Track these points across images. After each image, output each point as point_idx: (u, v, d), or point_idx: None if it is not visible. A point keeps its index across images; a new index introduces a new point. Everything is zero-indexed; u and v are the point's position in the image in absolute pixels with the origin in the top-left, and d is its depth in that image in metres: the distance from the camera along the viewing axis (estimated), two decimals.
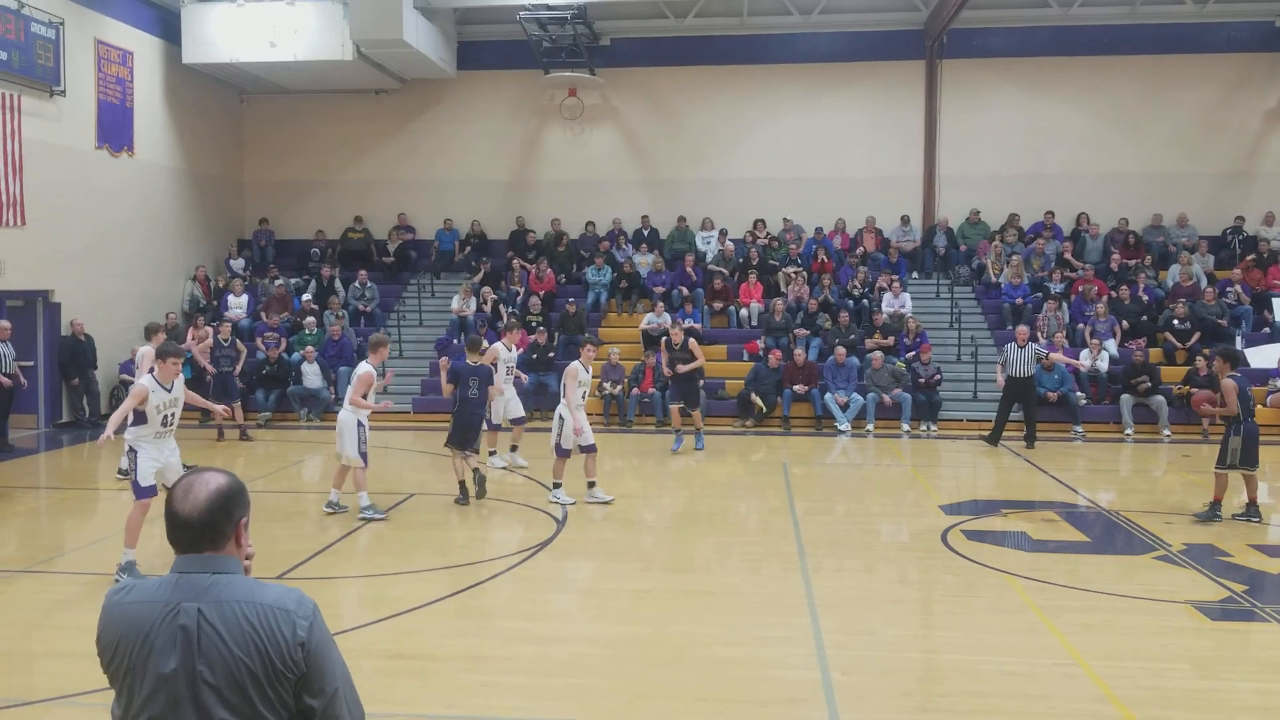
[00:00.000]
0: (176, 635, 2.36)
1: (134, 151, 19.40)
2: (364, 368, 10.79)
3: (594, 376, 11.83)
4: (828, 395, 17.45)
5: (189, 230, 21.51)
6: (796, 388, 17.50)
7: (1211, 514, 10.60)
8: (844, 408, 17.34)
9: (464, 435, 11.34)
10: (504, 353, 13.65)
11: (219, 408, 10.93)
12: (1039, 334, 18.50)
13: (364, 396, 10.64)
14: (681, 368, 15.08)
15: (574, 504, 11.13)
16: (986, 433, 16.27)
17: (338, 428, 10.90)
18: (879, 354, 17.73)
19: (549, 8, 20.19)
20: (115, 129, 18.82)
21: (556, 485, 11.36)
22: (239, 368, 16.82)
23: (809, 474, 14.19)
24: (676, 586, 8.32)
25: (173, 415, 8.68)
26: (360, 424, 10.66)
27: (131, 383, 14.87)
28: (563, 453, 11.29)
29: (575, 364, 11.43)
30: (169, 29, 20.20)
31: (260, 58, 20.22)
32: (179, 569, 2.45)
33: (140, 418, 8.46)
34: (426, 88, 22.88)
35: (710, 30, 22.30)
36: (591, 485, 11.38)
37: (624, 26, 22.36)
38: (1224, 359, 10.80)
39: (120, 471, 11.85)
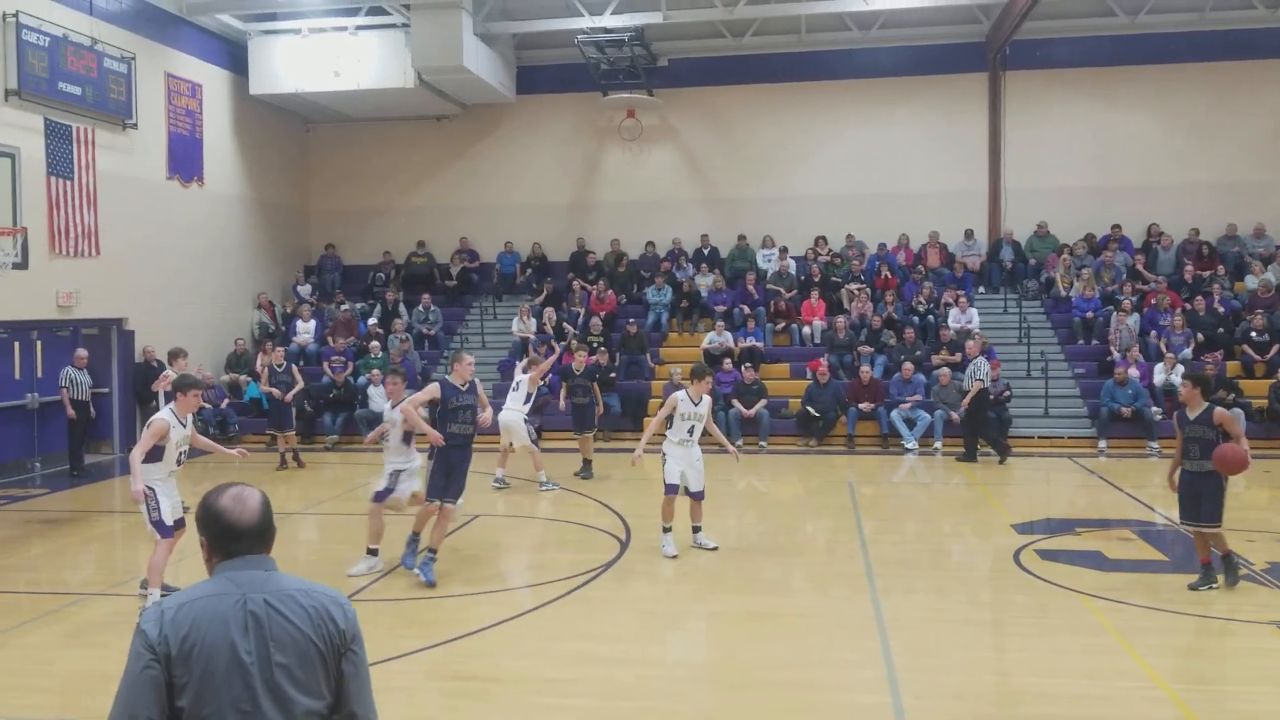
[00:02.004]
0: (248, 623, 2.60)
1: (204, 182, 19.87)
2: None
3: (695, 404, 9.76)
4: (894, 413, 17.19)
5: (257, 258, 21.95)
6: (862, 406, 17.27)
7: (1231, 572, 8.56)
8: (911, 425, 17.08)
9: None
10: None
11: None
12: (1112, 348, 18.08)
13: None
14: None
15: (676, 556, 9.65)
16: (1060, 451, 15.94)
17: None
18: (946, 370, 17.44)
19: (606, 30, 20.32)
20: (185, 160, 19.30)
21: (665, 529, 9.86)
22: (290, 395, 16.20)
23: (876, 493, 13.98)
24: (743, 609, 8.21)
25: (184, 454, 8.42)
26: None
27: (202, 410, 15.21)
28: (668, 488, 9.80)
29: (680, 393, 9.95)
30: (236, 61, 20.70)
31: (325, 87, 20.62)
32: (231, 569, 2.69)
33: (156, 454, 8.14)
34: (486, 113, 23.14)
35: (768, 48, 22.24)
36: (697, 530, 10.15)
37: (681, 47, 22.41)
38: (1194, 384, 8.72)
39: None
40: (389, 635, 7.55)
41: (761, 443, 17.44)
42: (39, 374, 16.10)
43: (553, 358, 14.35)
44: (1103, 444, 16.67)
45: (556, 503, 13.02)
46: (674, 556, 9.54)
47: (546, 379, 18.10)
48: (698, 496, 9.89)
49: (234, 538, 2.70)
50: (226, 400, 18.72)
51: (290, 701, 2.59)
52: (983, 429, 15.92)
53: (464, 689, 6.56)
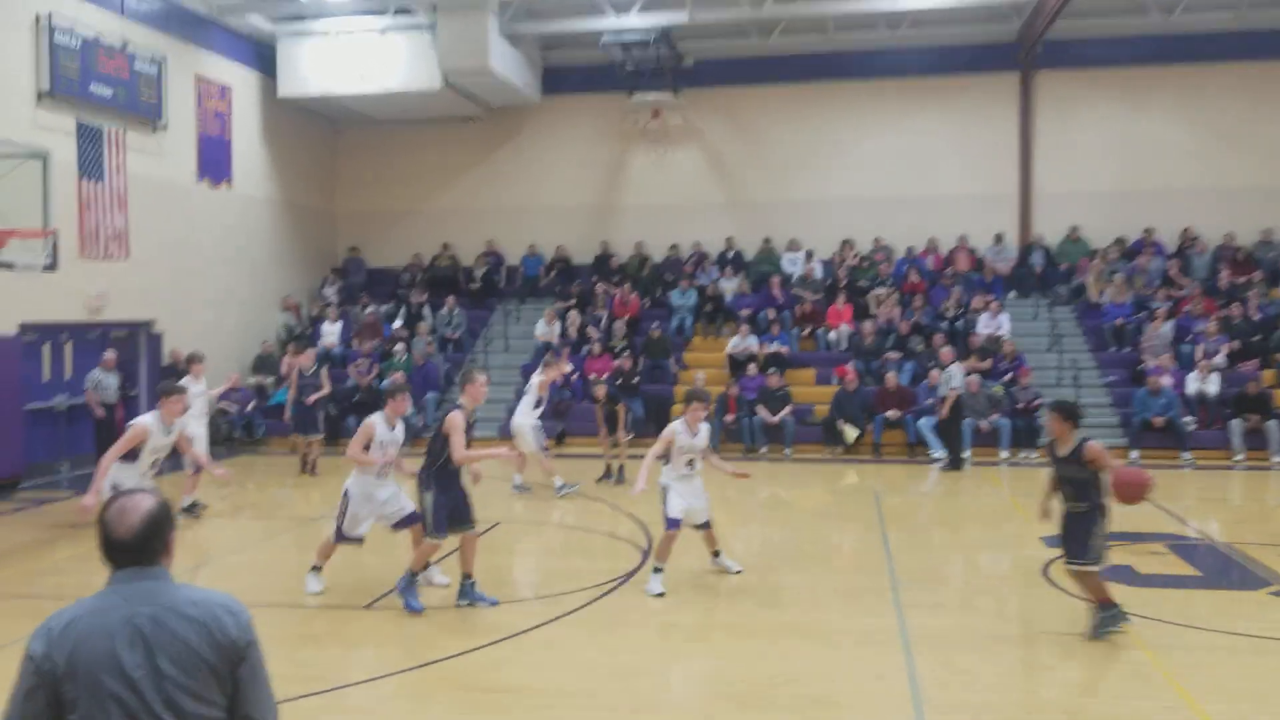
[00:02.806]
0: (134, 637, 2.60)
1: (232, 183, 19.97)
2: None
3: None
4: (921, 421, 17.00)
5: (284, 260, 22.05)
6: (889, 414, 17.09)
7: (1111, 620, 7.44)
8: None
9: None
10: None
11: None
12: (1144, 356, 17.81)
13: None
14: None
15: (663, 595, 8.65)
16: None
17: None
18: (975, 377, 17.23)
19: (632, 31, 20.26)
20: (215, 162, 19.40)
21: (656, 569, 8.81)
22: (314, 398, 15.76)
23: (903, 504, 13.81)
24: (765, 621, 8.10)
25: (159, 460, 8.55)
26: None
27: (228, 414, 15.31)
28: (670, 523, 8.85)
29: (675, 424, 9.01)
30: (265, 62, 20.79)
31: (352, 89, 20.68)
32: (119, 581, 2.70)
33: (131, 457, 8.32)
34: (511, 114, 23.12)
35: (795, 49, 22.07)
36: (716, 555, 9.46)
37: (707, 47, 22.30)
38: (1064, 416, 7.64)
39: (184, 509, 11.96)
40: (405, 644, 7.53)
41: (786, 450, 17.30)
42: (68, 376, 16.22)
43: (566, 369, 14.08)
44: (1134, 454, 16.41)
45: (578, 510, 12.95)
46: (661, 595, 8.56)
47: (570, 380, 18.12)
48: (705, 527, 9.24)
49: (115, 550, 2.72)
50: (254, 403, 18.77)
51: (182, 712, 2.61)
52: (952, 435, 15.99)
53: (480, 701, 6.50)
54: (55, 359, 16.27)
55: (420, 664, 7.08)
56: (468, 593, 8.35)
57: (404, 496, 8.60)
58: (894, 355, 18.32)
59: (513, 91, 21.48)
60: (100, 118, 16.23)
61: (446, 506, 8.11)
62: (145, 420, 8.51)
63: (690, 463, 8.95)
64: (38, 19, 15.07)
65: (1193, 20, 20.60)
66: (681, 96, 22.27)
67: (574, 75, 22.85)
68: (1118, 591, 8.79)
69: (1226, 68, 20.72)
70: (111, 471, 8.32)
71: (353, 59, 20.40)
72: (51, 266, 12.35)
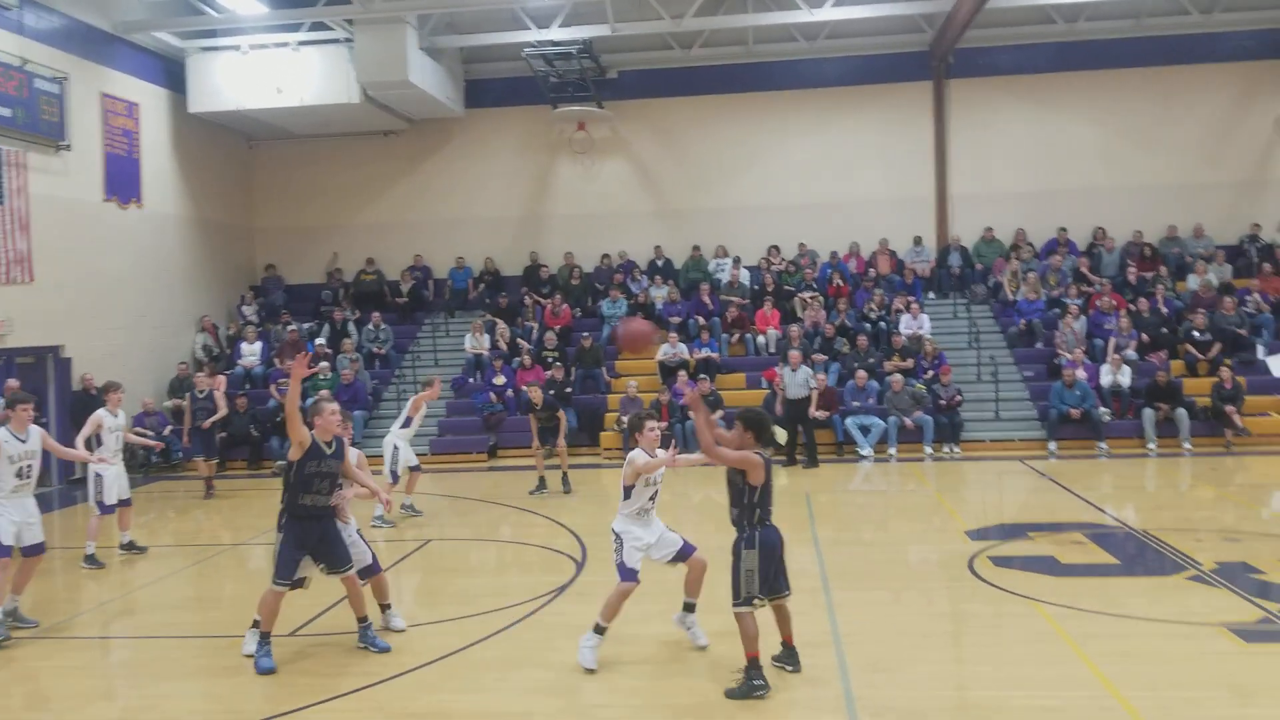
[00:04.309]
0: None
1: (142, 203, 19.49)
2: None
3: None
4: (849, 420, 17.23)
5: (201, 279, 21.56)
6: (817, 414, 17.27)
7: (752, 685, 6.54)
8: (865, 432, 17.13)
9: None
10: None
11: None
12: (1059, 350, 18.29)
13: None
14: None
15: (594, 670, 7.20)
16: (1012, 454, 16.09)
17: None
18: (898, 377, 17.54)
19: (555, 44, 20.26)
20: (123, 181, 18.91)
21: (598, 629, 7.30)
22: (208, 423, 15.37)
23: (832, 501, 13.97)
24: (702, 625, 8.09)
25: (29, 468, 8.59)
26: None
27: (147, 434, 14.83)
28: (627, 574, 7.36)
29: (636, 452, 7.55)
30: (174, 79, 20.33)
31: (267, 104, 20.34)
32: None
33: None
34: (435, 127, 22.94)
35: (716, 60, 22.30)
36: (690, 608, 7.68)
37: (630, 59, 22.39)
38: (745, 426, 6.86)
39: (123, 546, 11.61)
40: (333, 672, 7.35)
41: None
42: None
43: (429, 393, 13.67)
44: (1053, 445, 16.85)
45: (512, 524, 12.87)
46: (592, 671, 7.12)
47: (503, 394, 17.97)
48: (687, 552, 7.57)
49: None
50: (170, 427, 18.26)
51: None
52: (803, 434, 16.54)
53: None
54: None
55: (344, 693, 6.92)
56: (362, 636, 7.77)
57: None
58: (820, 357, 18.52)
59: (435, 105, 21.32)
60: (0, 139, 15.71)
61: (294, 548, 7.46)
62: None
63: (653, 497, 7.58)
64: None
65: (1096, 28, 21.30)
66: (606, 108, 22.33)
67: (498, 88, 22.77)
68: (1041, 581, 9.02)
69: (1130, 72, 21.43)
70: None
71: (267, 73, 20.07)
72: None
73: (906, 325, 19.23)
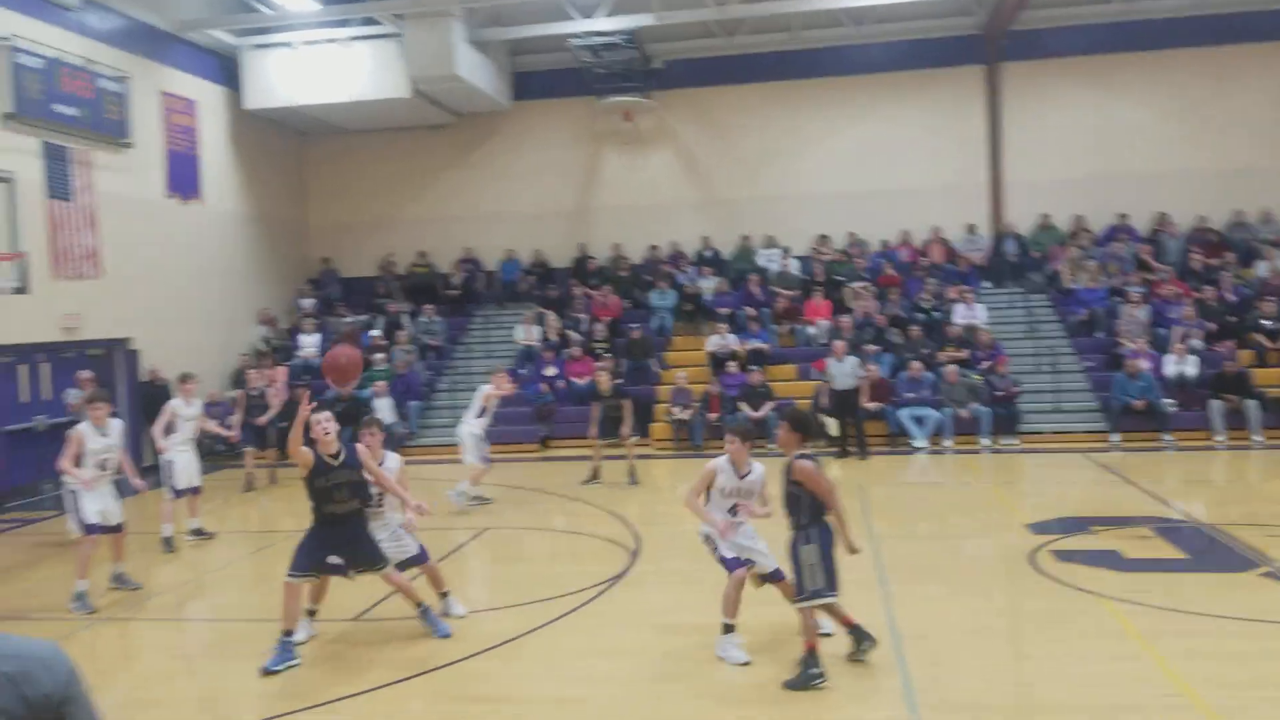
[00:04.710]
0: None
1: (202, 198, 19.79)
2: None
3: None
4: (902, 411, 17.07)
5: (259, 272, 21.88)
6: (870, 405, 17.12)
7: (809, 674, 6.58)
8: (920, 424, 16.95)
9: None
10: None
11: (136, 482, 10.13)
12: (1121, 340, 17.94)
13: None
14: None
15: (749, 663, 7.09)
16: (1073, 446, 15.85)
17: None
18: (953, 367, 17.31)
19: (600, 34, 20.24)
20: (183, 177, 19.22)
21: (726, 628, 7.19)
22: (265, 419, 15.72)
23: (887, 494, 13.84)
24: (753, 618, 8.05)
25: (109, 460, 9.40)
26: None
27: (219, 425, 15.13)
28: (731, 565, 7.22)
29: (718, 460, 7.23)
30: (230, 76, 20.62)
31: (319, 99, 20.56)
32: None
33: (78, 462, 9.26)
34: (483, 120, 23.03)
35: (762, 47, 22.12)
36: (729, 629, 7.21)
37: (675, 48, 22.29)
38: (791, 426, 6.87)
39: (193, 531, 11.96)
40: (395, 656, 7.45)
41: (770, 444, 17.27)
42: (46, 397, 16.05)
43: (507, 391, 13.87)
44: (1115, 437, 16.51)
45: (567, 514, 12.92)
46: (747, 663, 7.02)
47: (554, 384, 18.03)
48: (775, 576, 7.28)
49: None
50: (234, 417, 18.56)
51: None
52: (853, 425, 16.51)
53: (473, 712, 6.46)
54: (32, 380, 16.08)
55: (404, 677, 7.01)
56: (423, 617, 7.90)
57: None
58: (872, 348, 18.34)
59: (482, 98, 21.41)
60: (66, 137, 16.01)
61: (315, 547, 7.54)
62: (79, 428, 9.34)
63: (732, 509, 7.22)
64: None
65: (1155, 6, 20.78)
66: (652, 98, 22.25)
67: (544, 80, 22.79)
68: (1106, 577, 8.86)
69: (1191, 52, 20.88)
70: (71, 478, 9.40)
71: (319, 69, 20.28)
72: (22, 289, 12.19)
73: (961, 315, 18.96)
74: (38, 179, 15.34)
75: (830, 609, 6.92)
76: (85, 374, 15.48)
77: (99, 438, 9.31)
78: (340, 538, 7.58)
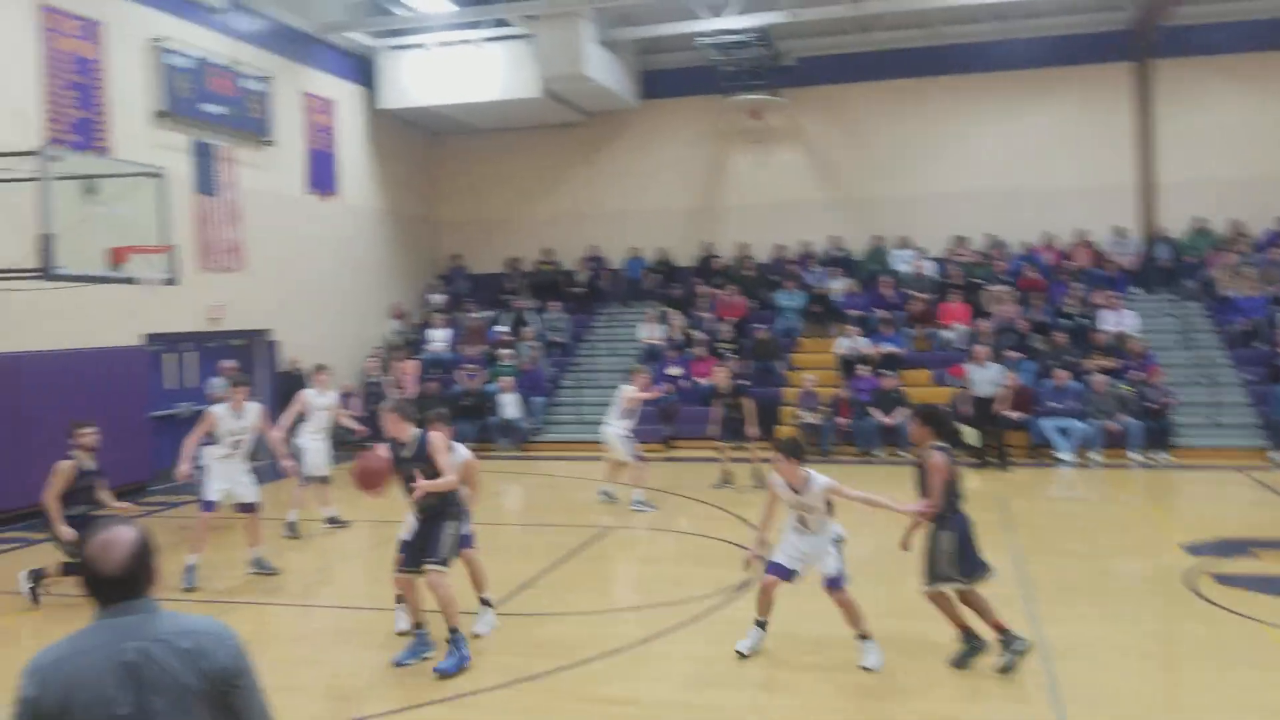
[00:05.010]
0: (126, 675, 2.57)
1: (339, 195, 20.32)
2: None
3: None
4: (1044, 422, 16.30)
5: (392, 268, 22.36)
6: (1011, 414, 16.41)
7: (970, 650, 6.91)
8: (1064, 435, 16.16)
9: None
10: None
11: (283, 451, 10.72)
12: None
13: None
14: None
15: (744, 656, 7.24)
16: (1230, 463, 14.91)
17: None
18: (1101, 376, 16.46)
19: (730, 32, 19.99)
20: (321, 174, 19.76)
21: (863, 638, 7.12)
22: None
23: (1028, 508, 13.23)
24: (891, 631, 7.73)
25: (241, 441, 9.85)
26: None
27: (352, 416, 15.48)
28: (769, 568, 7.32)
29: (775, 477, 7.31)
30: (366, 76, 21.12)
31: (451, 100, 20.88)
32: (106, 616, 2.65)
33: (211, 440, 9.82)
34: (610, 119, 23.04)
35: (899, 43, 21.53)
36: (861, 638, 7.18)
37: (808, 45, 21.88)
38: (922, 421, 7.12)
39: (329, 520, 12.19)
40: (522, 653, 7.38)
41: (902, 452, 16.78)
42: (191, 384, 16.66)
43: (649, 394, 13.75)
44: (1277, 455, 15.45)
45: (695, 517, 12.72)
46: (742, 655, 7.18)
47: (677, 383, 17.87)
48: (833, 585, 7.13)
49: (101, 586, 2.67)
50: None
51: None
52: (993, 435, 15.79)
53: (600, 713, 6.34)
54: (178, 368, 16.74)
55: (534, 675, 6.95)
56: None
57: None
58: (1013, 354, 17.62)
59: (611, 97, 21.42)
60: (212, 135, 16.63)
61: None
62: (215, 408, 9.91)
63: (801, 520, 7.25)
64: (151, 42, 15.50)
65: None
66: (782, 95, 21.88)
67: (672, 79, 22.67)
68: (1271, 603, 8.20)
69: None
70: (202, 455, 9.93)
71: (452, 70, 20.59)
72: (172, 280, 12.60)
73: (1109, 321, 18.04)
74: (186, 175, 15.91)
75: (944, 604, 6.90)
76: (228, 363, 16.04)
77: (234, 420, 9.81)
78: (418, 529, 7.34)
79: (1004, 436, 15.95)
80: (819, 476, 7.13)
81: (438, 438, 7.27)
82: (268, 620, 8.79)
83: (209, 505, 9.85)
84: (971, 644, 6.91)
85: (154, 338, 15.62)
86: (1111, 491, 14.30)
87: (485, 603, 7.98)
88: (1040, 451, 16.40)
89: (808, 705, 6.44)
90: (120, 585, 2.66)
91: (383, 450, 7.19)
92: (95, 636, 2.63)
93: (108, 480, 9.34)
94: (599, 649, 7.43)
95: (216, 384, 15.86)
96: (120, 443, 9.95)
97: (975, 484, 14.72)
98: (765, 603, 7.28)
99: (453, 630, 7.04)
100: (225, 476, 9.79)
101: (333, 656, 7.80)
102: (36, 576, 8.97)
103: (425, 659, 7.17)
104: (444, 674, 6.89)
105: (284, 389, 17.86)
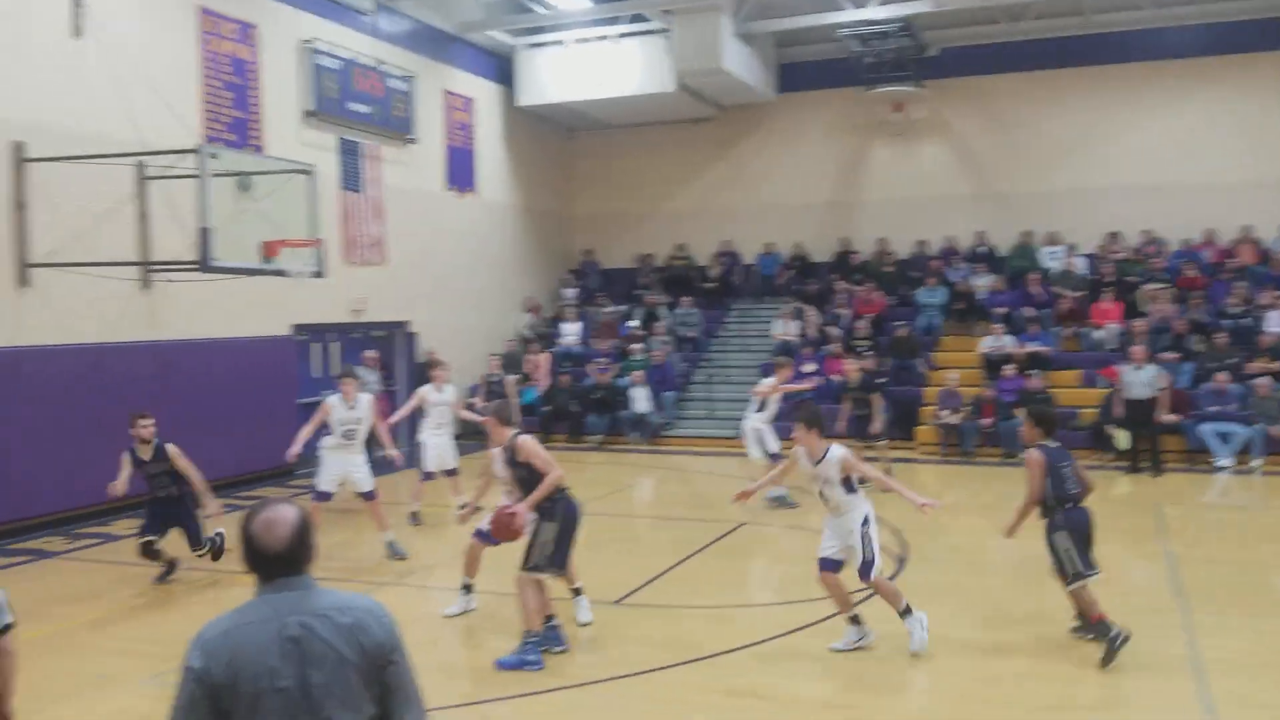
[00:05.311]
0: (287, 648, 2.64)
1: (476, 191, 20.71)
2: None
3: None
4: (1203, 426, 15.40)
5: (526, 263, 22.68)
6: (1166, 418, 15.55)
7: (1103, 636, 6.81)
8: (1224, 440, 15.23)
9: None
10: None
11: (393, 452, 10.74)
12: None
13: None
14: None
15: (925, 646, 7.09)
16: None
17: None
18: (1266, 380, 15.45)
19: (873, 22, 19.53)
20: (460, 171, 20.18)
21: (905, 613, 7.19)
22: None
23: (1183, 514, 12.53)
24: (1033, 638, 7.40)
25: (353, 431, 10.05)
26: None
27: (473, 407, 15.75)
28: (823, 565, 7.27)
29: (796, 449, 7.36)
30: (505, 75, 21.46)
31: (588, 96, 21.02)
32: (267, 592, 2.74)
33: (326, 429, 10.07)
34: (746, 113, 22.83)
35: (1049, 32, 20.66)
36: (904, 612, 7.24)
37: (953, 35, 21.22)
38: (1034, 421, 7.37)
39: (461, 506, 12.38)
40: (648, 646, 7.32)
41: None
42: (335, 373, 17.19)
43: (791, 387, 13.47)
44: None
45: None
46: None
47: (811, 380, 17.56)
48: (863, 573, 7.12)
49: (265, 563, 2.75)
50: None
51: (332, 719, 2.66)
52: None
53: (738, 706, 6.26)
54: (323, 357, 17.34)
55: (668, 665, 6.90)
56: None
57: None
58: (1169, 356, 16.71)
59: (747, 90, 21.21)
60: (358, 133, 17.14)
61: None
62: (329, 399, 10.15)
63: (822, 494, 7.24)
64: (301, 44, 16.07)
65: None
66: (925, 87, 21.29)
67: (810, 71, 22.31)
68: None
69: None
70: (320, 445, 10.29)
71: (588, 66, 20.72)
72: (320, 273, 13.03)
73: (1275, 323, 16.92)
74: (333, 172, 16.44)
75: (1083, 597, 7.03)
76: (370, 353, 16.52)
77: (346, 410, 10.01)
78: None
79: (1159, 441, 15.12)
80: (837, 448, 7.14)
81: (528, 441, 7.18)
82: (400, 602, 8.96)
83: (322, 495, 10.16)
84: (1108, 634, 6.73)
85: (302, 327, 16.19)
86: (1272, 499, 13.41)
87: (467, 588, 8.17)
88: (1196, 457, 15.51)
89: (943, 706, 6.19)
90: (282, 562, 2.74)
91: (513, 506, 7.12)
92: (259, 611, 2.71)
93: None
94: (727, 644, 7.32)
95: (361, 373, 16.37)
96: (269, 428, 10.36)
97: (1126, 489, 14.08)
98: (838, 600, 7.25)
99: (527, 633, 6.98)
100: (339, 466, 10.03)
101: (462, 640, 7.88)
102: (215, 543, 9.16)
103: (557, 652, 7.11)
104: (503, 667, 6.86)
105: (422, 379, 18.32)
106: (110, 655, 7.30)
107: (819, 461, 7.09)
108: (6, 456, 7.27)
